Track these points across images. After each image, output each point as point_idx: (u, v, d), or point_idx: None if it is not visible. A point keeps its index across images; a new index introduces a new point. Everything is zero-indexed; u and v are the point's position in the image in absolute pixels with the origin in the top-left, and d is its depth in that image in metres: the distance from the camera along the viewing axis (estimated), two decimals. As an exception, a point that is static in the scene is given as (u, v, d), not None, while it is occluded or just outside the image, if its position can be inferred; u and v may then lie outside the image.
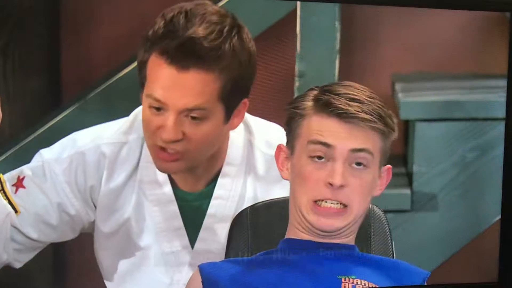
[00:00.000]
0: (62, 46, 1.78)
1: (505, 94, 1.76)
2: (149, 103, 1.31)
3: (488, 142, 1.83)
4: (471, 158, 1.81)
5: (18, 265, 1.42)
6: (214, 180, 1.43)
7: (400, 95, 1.75)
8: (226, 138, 1.42)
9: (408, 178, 1.82)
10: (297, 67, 1.73)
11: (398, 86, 1.77)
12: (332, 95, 1.24)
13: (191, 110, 1.31)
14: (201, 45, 1.28)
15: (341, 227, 1.25)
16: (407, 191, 1.80)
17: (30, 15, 1.71)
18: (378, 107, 1.24)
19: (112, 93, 1.61)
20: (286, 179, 1.28)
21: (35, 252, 1.45)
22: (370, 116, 1.22)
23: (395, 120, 1.27)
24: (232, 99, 1.35)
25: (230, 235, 1.36)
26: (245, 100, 1.37)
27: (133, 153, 1.42)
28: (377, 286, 1.23)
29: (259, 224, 1.35)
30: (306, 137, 1.23)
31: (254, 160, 1.44)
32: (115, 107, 1.48)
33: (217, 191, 1.42)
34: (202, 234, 1.43)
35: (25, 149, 1.53)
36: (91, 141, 1.43)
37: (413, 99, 1.79)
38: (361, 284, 1.23)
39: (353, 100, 1.23)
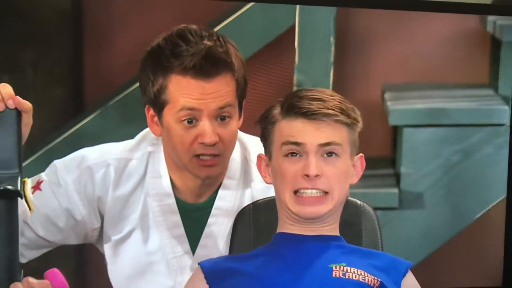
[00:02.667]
0: (85, 59, 1.87)
1: (487, 102, 1.86)
2: (180, 118, 1.34)
3: (471, 146, 1.87)
4: (455, 161, 1.85)
5: (23, 260, 1.45)
6: (215, 193, 1.45)
7: (389, 103, 1.80)
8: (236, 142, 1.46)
9: (396, 179, 1.87)
10: (295, 78, 1.81)
11: (387, 95, 1.82)
12: (295, 98, 1.27)
13: (222, 108, 1.34)
14: (216, 53, 1.33)
15: (324, 213, 1.26)
16: (395, 190, 1.84)
17: (56, 32, 1.80)
18: (339, 102, 1.26)
19: (130, 100, 1.69)
20: (270, 183, 1.30)
21: (41, 251, 1.48)
22: (332, 111, 1.24)
23: (358, 112, 1.28)
24: (242, 95, 1.40)
25: (233, 230, 1.39)
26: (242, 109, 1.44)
27: (139, 168, 1.45)
28: (366, 272, 1.23)
29: (260, 220, 1.38)
30: (279, 140, 1.26)
31: (250, 174, 1.46)
32: (133, 113, 1.55)
33: (217, 202, 1.45)
34: (202, 241, 1.45)
35: (53, 151, 1.59)
36: (99, 156, 1.45)
37: (401, 107, 1.82)
38: (350, 272, 1.23)
39: (314, 99, 1.26)
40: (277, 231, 1.30)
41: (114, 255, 1.48)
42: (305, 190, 1.24)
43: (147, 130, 1.45)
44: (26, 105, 1.20)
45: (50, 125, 1.54)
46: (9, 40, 1.79)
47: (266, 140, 1.30)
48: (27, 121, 1.22)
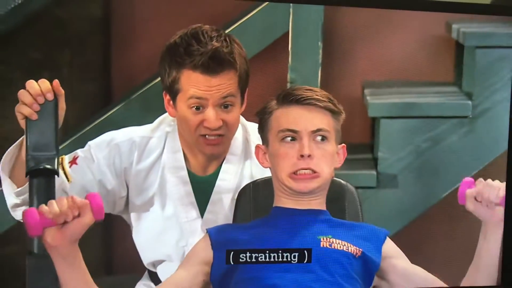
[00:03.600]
0: (112, 59, 1.86)
1: (452, 98, 1.87)
2: (189, 105, 1.39)
3: (439, 135, 1.86)
4: (425, 147, 1.85)
5: None
6: (219, 166, 1.49)
7: (368, 98, 1.83)
8: (238, 125, 1.48)
9: (374, 162, 1.87)
10: (289, 76, 1.80)
11: (366, 91, 1.85)
12: (290, 90, 1.33)
13: (225, 98, 1.39)
14: (222, 53, 1.38)
15: (315, 188, 1.30)
16: (373, 172, 1.85)
17: (88, 36, 1.83)
18: (327, 93, 1.33)
19: (150, 94, 1.71)
20: (267, 167, 1.35)
21: None
22: (322, 98, 1.30)
23: (341, 107, 1.34)
24: (244, 87, 1.45)
25: (236, 204, 1.44)
26: (246, 90, 1.48)
27: (158, 145, 1.49)
28: (349, 243, 1.30)
29: (259, 196, 1.42)
30: (276, 128, 1.30)
31: (250, 152, 1.50)
32: (152, 105, 1.59)
33: (221, 175, 1.49)
34: (209, 207, 1.49)
35: (84, 136, 1.61)
36: (125, 135, 1.49)
37: (378, 101, 1.83)
38: (336, 243, 1.29)
39: (307, 90, 1.32)
40: (273, 206, 1.34)
41: (138, 220, 1.52)
42: (300, 170, 1.28)
43: (165, 114, 1.50)
44: (62, 92, 1.27)
45: (83, 114, 1.57)
46: (48, 43, 1.79)
47: (263, 129, 1.34)
48: (62, 105, 1.28)
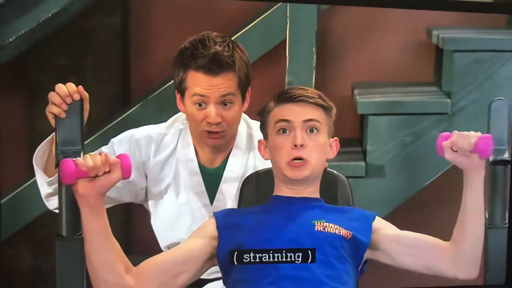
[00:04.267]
0: (131, 64, 1.89)
1: (433, 96, 1.86)
2: (193, 102, 1.41)
3: (421, 130, 1.86)
4: (408, 141, 1.86)
5: None
6: (226, 159, 1.50)
7: (357, 97, 1.84)
8: (239, 122, 1.49)
9: (363, 154, 1.88)
10: (287, 78, 1.82)
11: (356, 91, 1.86)
12: (285, 91, 1.34)
13: (224, 96, 1.41)
14: (222, 56, 1.39)
15: (307, 175, 1.29)
16: (363, 163, 1.86)
17: (109, 43, 1.85)
18: (317, 91, 1.34)
19: (164, 95, 1.74)
20: (268, 159, 1.35)
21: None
22: (312, 95, 1.31)
23: (331, 103, 1.33)
24: (244, 87, 1.44)
25: (241, 192, 1.44)
26: (249, 89, 1.48)
27: (172, 141, 1.50)
28: (341, 227, 1.28)
29: (261, 185, 1.42)
30: (273, 121, 1.31)
31: (253, 146, 1.50)
32: (166, 105, 1.60)
33: (228, 166, 1.49)
34: (218, 195, 1.50)
35: (106, 133, 1.65)
36: (144, 132, 1.50)
37: (366, 100, 1.84)
38: (329, 226, 1.28)
39: (299, 89, 1.33)
40: (273, 194, 1.34)
41: (155, 207, 1.53)
42: (295, 159, 1.28)
43: (179, 113, 1.51)
44: (86, 95, 1.28)
45: (104, 114, 1.60)
46: (74, 50, 1.82)
47: (263, 126, 1.34)
48: (86, 107, 1.30)
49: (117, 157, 1.16)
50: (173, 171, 1.49)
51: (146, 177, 1.50)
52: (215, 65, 1.38)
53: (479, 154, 1.25)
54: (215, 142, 1.44)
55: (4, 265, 1.88)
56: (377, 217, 1.33)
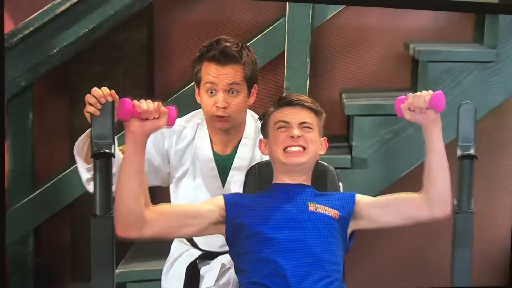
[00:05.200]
0: (155, 71, 1.92)
1: None
2: (206, 89, 1.43)
3: (399, 128, 1.86)
4: (388, 138, 1.86)
5: None
6: (236, 148, 1.50)
7: (345, 100, 1.86)
8: (246, 112, 1.49)
9: (349, 149, 1.89)
10: (285, 84, 1.83)
11: (343, 95, 1.89)
12: (284, 97, 1.38)
13: (231, 84, 1.42)
14: (230, 50, 1.42)
15: (303, 162, 1.30)
16: (349, 157, 1.87)
17: (137, 54, 1.89)
18: (310, 98, 1.37)
19: (183, 98, 1.76)
20: (267, 155, 1.37)
21: None
22: (306, 101, 1.34)
23: (321, 109, 1.35)
24: (250, 82, 1.46)
25: (245, 182, 1.46)
26: (255, 86, 1.49)
27: (191, 132, 1.51)
28: (330, 208, 1.30)
29: (262, 174, 1.43)
30: (273, 122, 1.34)
31: (260, 137, 1.46)
32: (184, 106, 1.57)
33: (238, 154, 1.49)
34: (229, 178, 1.49)
35: None
36: None
37: (352, 103, 1.85)
38: (320, 208, 1.30)
39: (295, 95, 1.37)
40: (272, 182, 1.37)
41: (175, 189, 1.54)
42: (291, 148, 1.29)
43: (197, 110, 1.53)
44: (117, 97, 1.29)
45: None
46: (107, 59, 1.85)
47: (264, 126, 1.37)
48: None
49: (167, 108, 1.20)
50: (191, 158, 1.50)
51: (169, 163, 1.51)
52: (224, 57, 1.41)
53: (434, 109, 1.25)
54: (222, 125, 1.46)
55: (47, 240, 1.91)
56: (357, 194, 1.35)
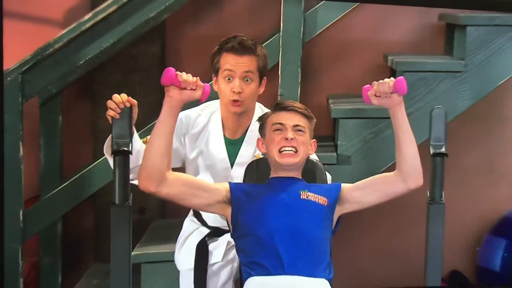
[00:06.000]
0: None
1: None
2: (224, 76, 1.45)
3: (379, 130, 1.86)
4: (369, 138, 1.86)
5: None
6: (244, 133, 1.50)
7: (331, 105, 1.85)
8: (256, 101, 1.50)
9: (335, 147, 1.90)
10: (279, 90, 1.84)
11: (330, 101, 1.91)
12: (280, 102, 1.40)
13: (246, 72, 1.44)
14: (247, 42, 1.45)
15: (295, 162, 1.33)
16: (335, 154, 1.87)
17: (151, 65, 1.91)
18: (303, 105, 1.39)
19: (189, 103, 1.64)
20: (264, 152, 1.38)
21: None
22: (299, 106, 1.36)
23: (312, 115, 1.37)
24: (262, 73, 1.47)
25: (245, 174, 1.45)
26: (265, 78, 1.50)
27: (204, 119, 1.52)
28: (319, 196, 1.32)
29: (260, 169, 1.43)
30: (270, 124, 1.37)
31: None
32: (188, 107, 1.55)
33: (246, 138, 1.49)
34: (237, 160, 1.50)
35: (148, 130, 1.67)
36: (184, 113, 1.49)
37: (338, 107, 1.85)
38: (310, 196, 1.33)
39: (290, 102, 1.38)
40: (270, 176, 1.39)
41: (190, 168, 1.54)
42: (285, 149, 1.32)
43: (211, 101, 1.52)
44: (134, 102, 1.33)
45: (147, 116, 1.62)
46: (126, 69, 1.89)
47: (262, 127, 1.39)
48: (135, 110, 1.35)
49: (203, 84, 1.26)
50: (205, 141, 1.51)
51: (185, 146, 1.52)
52: (241, 47, 1.44)
53: (398, 93, 1.28)
54: (236, 109, 1.48)
55: (73, 225, 1.95)
56: (342, 184, 1.39)
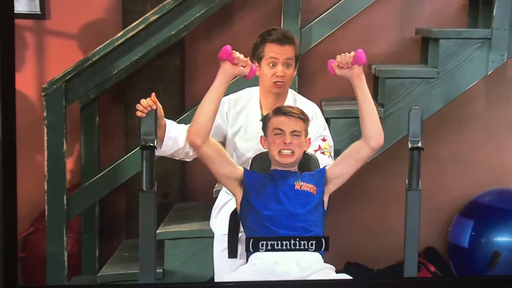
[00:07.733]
0: (186, 86, 1.98)
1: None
2: (268, 63, 1.48)
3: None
4: (355, 135, 1.80)
5: (189, 159, 1.51)
6: None
7: (324, 107, 1.82)
8: (292, 81, 1.53)
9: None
10: None
11: (323, 103, 1.86)
12: (280, 107, 1.41)
13: (287, 59, 1.48)
14: (288, 34, 1.50)
15: (292, 161, 1.36)
16: None
17: (173, 74, 1.96)
18: (300, 109, 1.41)
19: None
20: (265, 149, 1.40)
21: None
22: (297, 111, 1.38)
23: (308, 118, 1.40)
24: (297, 60, 1.52)
25: (251, 165, 1.45)
26: (297, 63, 1.54)
27: (245, 100, 1.54)
28: (310, 184, 1.35)
29: (263, 162, 1.44)
30: (271, 127, 1.38)
31: (296, 105, 1.48)
32: None
33: None
34: None
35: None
36: (227, 97, 1.52)
37: (330, 109, 1.82)
38: (304, 186, 1.36)
39: (288, 107, 1.40)
40: (270, 169, 1.41)
41: (231, 142, 1.55)
42: (284, 150, 1.35)
43: (249, 87, 1.56)
44: (159, 106, 1.37)
45: (170, 117, 1.55)
46: (152, 78, 1.91)
47: (265, 128, 1.40)
48: (159, 112, 1.39)
49: (252, 65, 1.35)
50: (244, 117, 1.54)
51: (228, 123, 1.55)
52: (283, 38, 1.49)
53: (358, 63, 1.32)
54: (279, 90, 1.51)
55: (108, 208, 1.99)
56: (326, 167, 1.42)
